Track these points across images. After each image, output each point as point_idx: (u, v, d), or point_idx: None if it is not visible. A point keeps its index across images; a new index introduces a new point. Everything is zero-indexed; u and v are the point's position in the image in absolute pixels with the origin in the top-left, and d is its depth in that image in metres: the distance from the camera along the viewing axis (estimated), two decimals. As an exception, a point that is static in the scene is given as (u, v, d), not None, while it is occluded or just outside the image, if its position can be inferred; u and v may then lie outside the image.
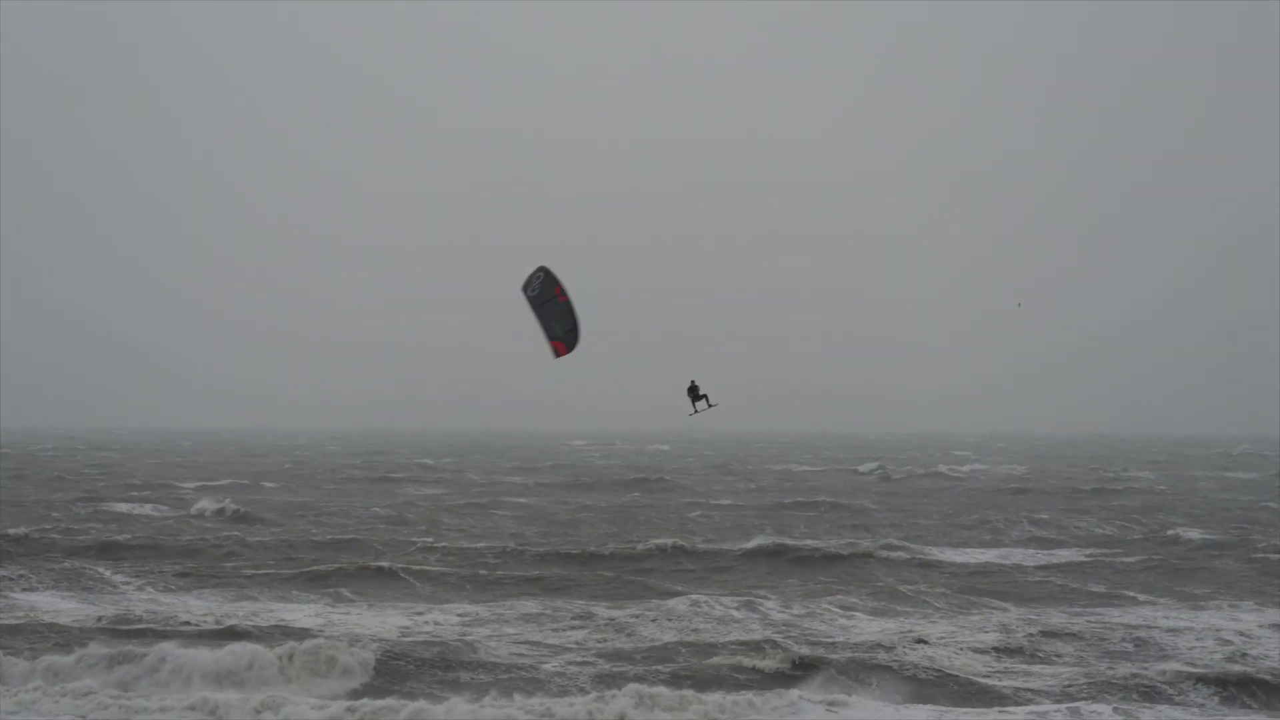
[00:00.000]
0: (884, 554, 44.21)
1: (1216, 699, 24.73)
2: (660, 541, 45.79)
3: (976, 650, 28.46)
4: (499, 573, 39.82)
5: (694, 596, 34.70)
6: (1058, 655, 28.18)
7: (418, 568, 39.73)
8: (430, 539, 48.11)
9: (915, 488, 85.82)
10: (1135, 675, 25.80)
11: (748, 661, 26.77)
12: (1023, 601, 35.27)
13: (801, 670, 26.24)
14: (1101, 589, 37.62)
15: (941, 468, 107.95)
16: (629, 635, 30.09)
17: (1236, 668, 26.64)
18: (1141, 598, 35.98)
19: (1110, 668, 26.64)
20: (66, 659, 26.01)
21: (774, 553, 44.15)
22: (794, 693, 24.46)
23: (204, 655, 26.05)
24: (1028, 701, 24.35)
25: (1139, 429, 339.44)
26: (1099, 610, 33.73)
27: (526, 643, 29.27)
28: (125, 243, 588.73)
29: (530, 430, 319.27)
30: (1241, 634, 30.23)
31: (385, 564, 39.97)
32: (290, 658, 26.22)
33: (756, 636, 29.66)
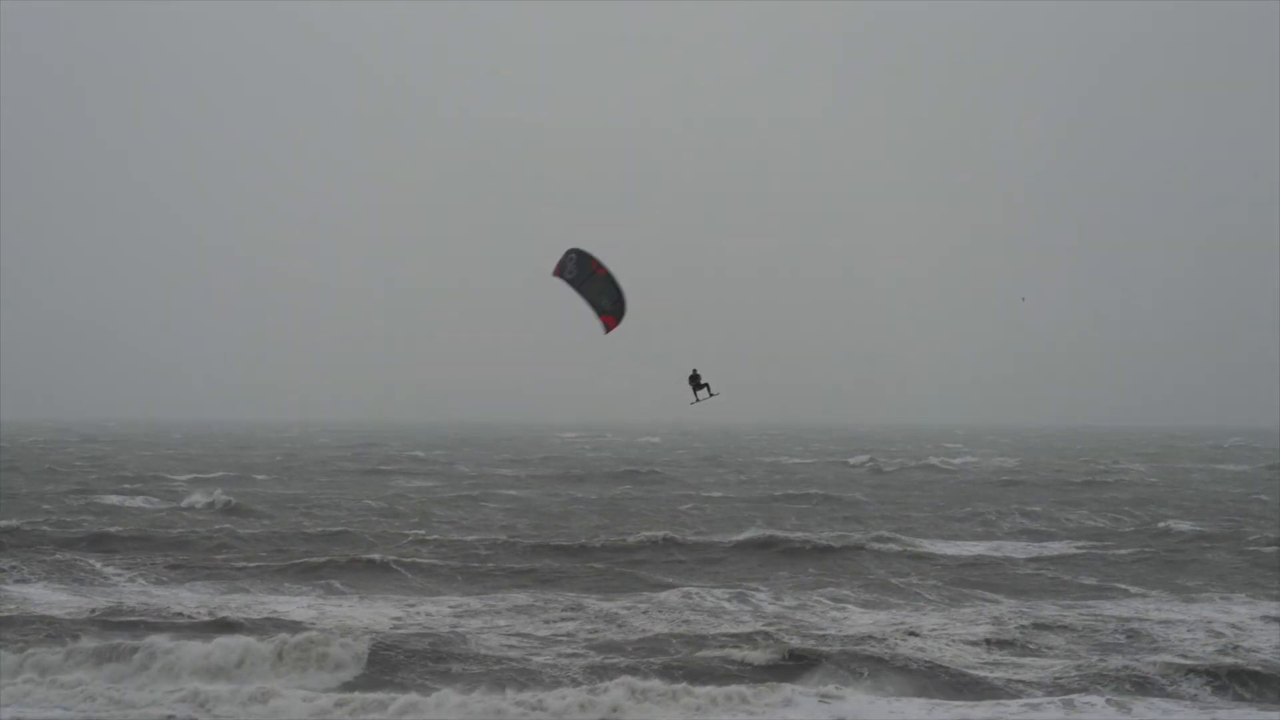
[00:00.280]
0: (875, 546, 44.22)
1: (1209, 690, 24.73)
2: (651, 533, 45.80)
3: (969, 642, 28.46)
4: (490, 565, 39.80)
5: (686, 588, 34.71)
6: (1050, 647, 28.18)
7: (409, 560, 39.69)
8: (422, 531, 48.08)
9: (906, 480, 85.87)
10: (1128, 667, 25.79)
11: (740, 654, 26.73)
12: (1015, 593, 35.29)
13: (794, 662, 26.20)
14: (1093, 581, 37.65)
15: (933, 460, 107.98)
16: (620, 627, 30.07)
17: (1228, 659, 26.64)
18: (1133, 590, 36.01)
19: (1102, 659, 26.64)
20: (58, 651, 25.97)
21: (765, 545, 44.15)
22: (787, 685, 24.45)
23: (195, 647, 26.00)
24: (1020, 693, 24.34)
25: (1129, 421, 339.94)
26: (1091, 602, 33.74)
27: (518, 634, 29.23)
28: (122, 238, 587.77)
29: (519, 422, 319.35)
30: (1233, 626, 30.26)
31: (377, 556, 39.93)
32: (282, 651, 26.18)
33: (749, 628, 29.64)
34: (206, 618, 30.10)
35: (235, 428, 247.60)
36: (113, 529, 46.45)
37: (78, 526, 47.47)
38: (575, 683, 24.81)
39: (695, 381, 25.98)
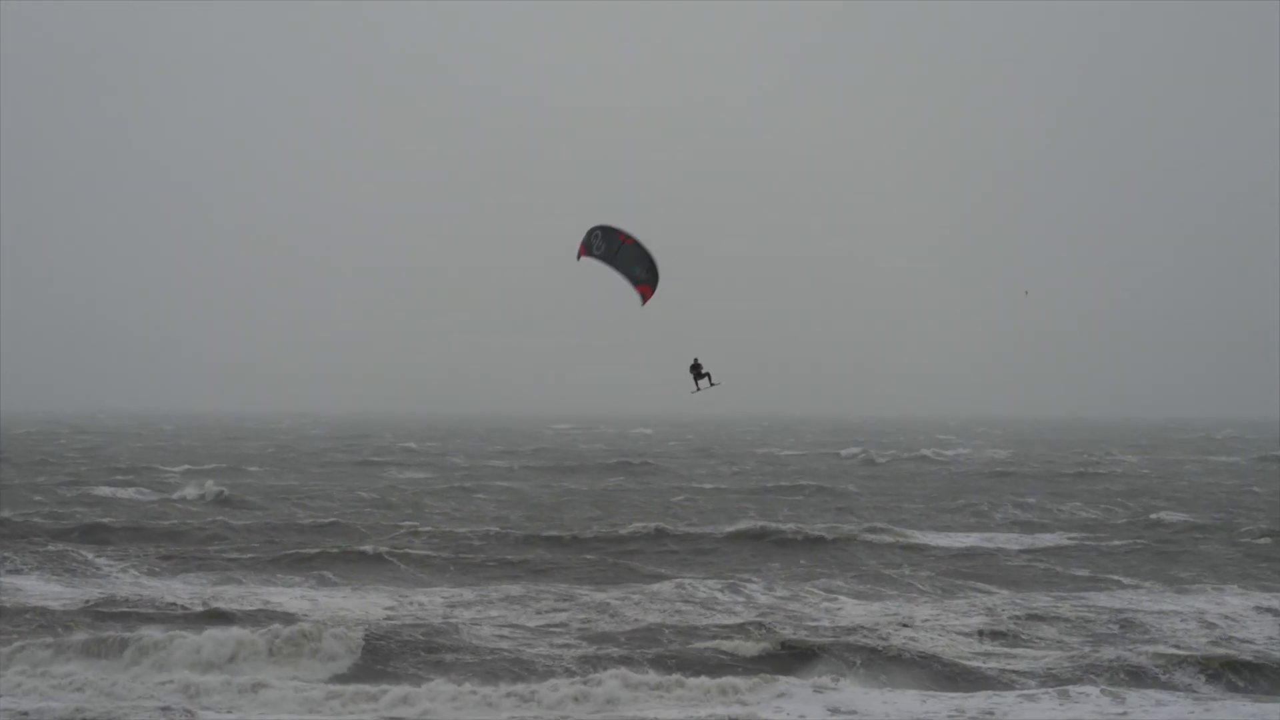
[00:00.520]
0: (868, 537, 44.25)
1: (1202, 680, 24.76)
2: (644, 525, 45.81)
3: (962, 633, 28.47)
4: (483, 556, 39.77)
5: (678, 579, 34.69)
6: (1043, 638, 28.20)
7: (402, 551, 39.65)
8: (414, 522, 48.06)
9: (899, 471, 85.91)
10: (1121, 657, 25.81)
11: (733, 645, 26.73)
12: (1008, 585, 35.31)
13: (787, 653, 26.21)
14: (1086, 572, 37.67)
15: (925, 451, 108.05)
16: (613, 618, 30.04)
17: (1221, 650, 26.69)
18: (1126, 581, 36.04)
19: (1096, 650, 26.66)
20: (50, 643, 25.92)
21: (758, 536, 44.16)
22: (780, 676, 24.43)
23: (188, 638, 25.96)
24: (1014, 684, 24.36)
25: (1122, 413, 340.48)
26: (1084, 593, 33.77)
27: (511, 625, 29.21)
28: (118, 234, 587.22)
29: (513, 413, 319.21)
30: (1226, 617, 30.28)
31: (370, 547, 39.90)
32: (274, 642, 26.15)
33: (742, 619, 29.65)
34: (199, 609, 30.05)
35: (225, 418, 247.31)
36: (105, 520, 46.39)
37: (70, 518, 47.38)
38: (568, 673, 24.80)
39: (696, 371, 25.90)
